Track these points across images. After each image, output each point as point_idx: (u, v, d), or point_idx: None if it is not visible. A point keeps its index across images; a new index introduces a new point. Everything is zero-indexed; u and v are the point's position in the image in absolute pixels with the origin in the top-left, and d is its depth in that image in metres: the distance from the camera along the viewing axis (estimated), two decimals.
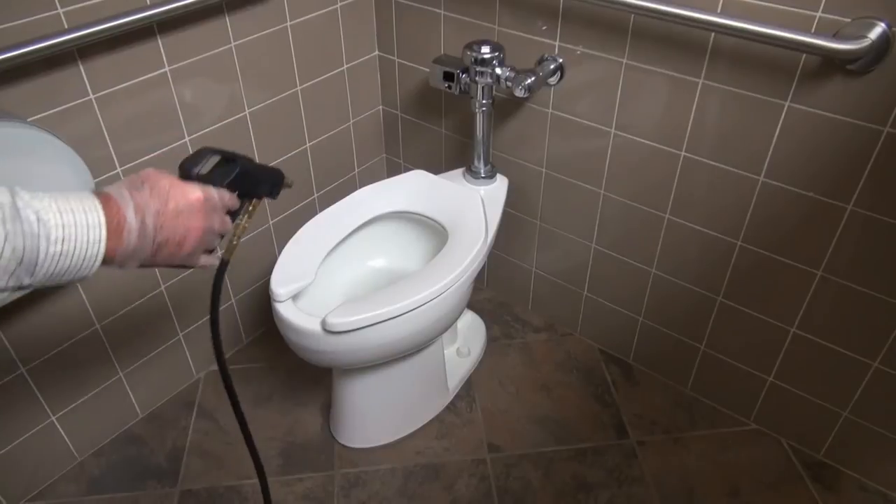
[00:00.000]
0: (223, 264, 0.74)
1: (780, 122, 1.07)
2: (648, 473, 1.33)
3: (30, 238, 0.51)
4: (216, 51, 1.22)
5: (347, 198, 1.34)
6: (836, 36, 0.94)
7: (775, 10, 0.98)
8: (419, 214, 1.33)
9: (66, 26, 1.00)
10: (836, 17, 0.94)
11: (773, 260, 1.20)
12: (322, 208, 1.66)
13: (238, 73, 1.28)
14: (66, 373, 1.25)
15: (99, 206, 0.56)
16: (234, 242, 0.74)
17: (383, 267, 1.40)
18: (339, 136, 1.58)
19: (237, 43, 1.25)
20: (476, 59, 1.24)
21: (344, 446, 1.38)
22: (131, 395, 1.40)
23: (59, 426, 1.28)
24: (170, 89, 1.18)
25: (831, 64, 0.98)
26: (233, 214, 0.72)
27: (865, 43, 0.91)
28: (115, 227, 0.56)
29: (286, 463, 1.35)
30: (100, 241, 0.55)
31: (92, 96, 1.08)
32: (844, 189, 1.06)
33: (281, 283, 1.13)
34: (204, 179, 0.67)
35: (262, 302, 1.60)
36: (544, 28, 1.25)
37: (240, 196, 0.72)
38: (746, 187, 1.16)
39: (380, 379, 1.28)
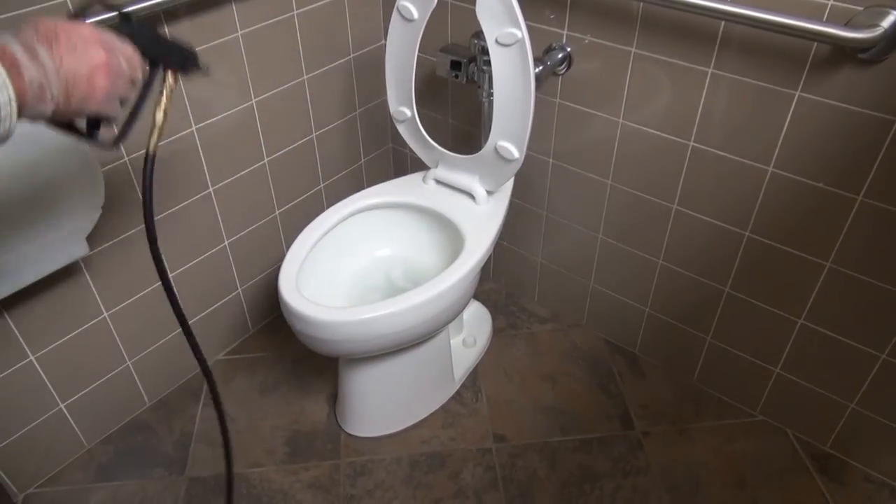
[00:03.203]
0: (149, 158, 0.67)
1: (791, 111, 1.06)
2: (654, 464, 1.33)
3: None
4: (223, 39, 1.22)
5: (353, 196, 1.34)
6: (848, 24, 0.93)
7: None
8: (425, 205, 1.33)
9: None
10: (848, 6, 0.93)
11: (782, 251, 1.20)
12: (328, 199, 1.66)
13: (245, 62, 1.28)
14: (74, 361, 1.26)
15: None
16: (158, 128, 0.67)
17: (388, 256, 1.40)
18: (345, 126, 1.58)
19: (244, 31, 1.25)
20: (483, 49, 1.23)
21: (350, 435, 1.39)
22: (139, 384, 1.41)
23: (67, 414, 1.29)
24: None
25: (843, 53, 0.97)
26: (145, 87, 0.67)
27: (878, 31, 0.90)
28: (11, 70, 0.54)
29: (293, 452, 1.36)
30: (7, 85, 0.53)
31: None
32: (854, 180, 1.05)
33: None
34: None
35: (269, 292, 1.61)
36: (552, 17, 1.24)
37: (146, 57, 0.66)
38: (755, 178, 1.16)
39: (386, 368, 1.28)
